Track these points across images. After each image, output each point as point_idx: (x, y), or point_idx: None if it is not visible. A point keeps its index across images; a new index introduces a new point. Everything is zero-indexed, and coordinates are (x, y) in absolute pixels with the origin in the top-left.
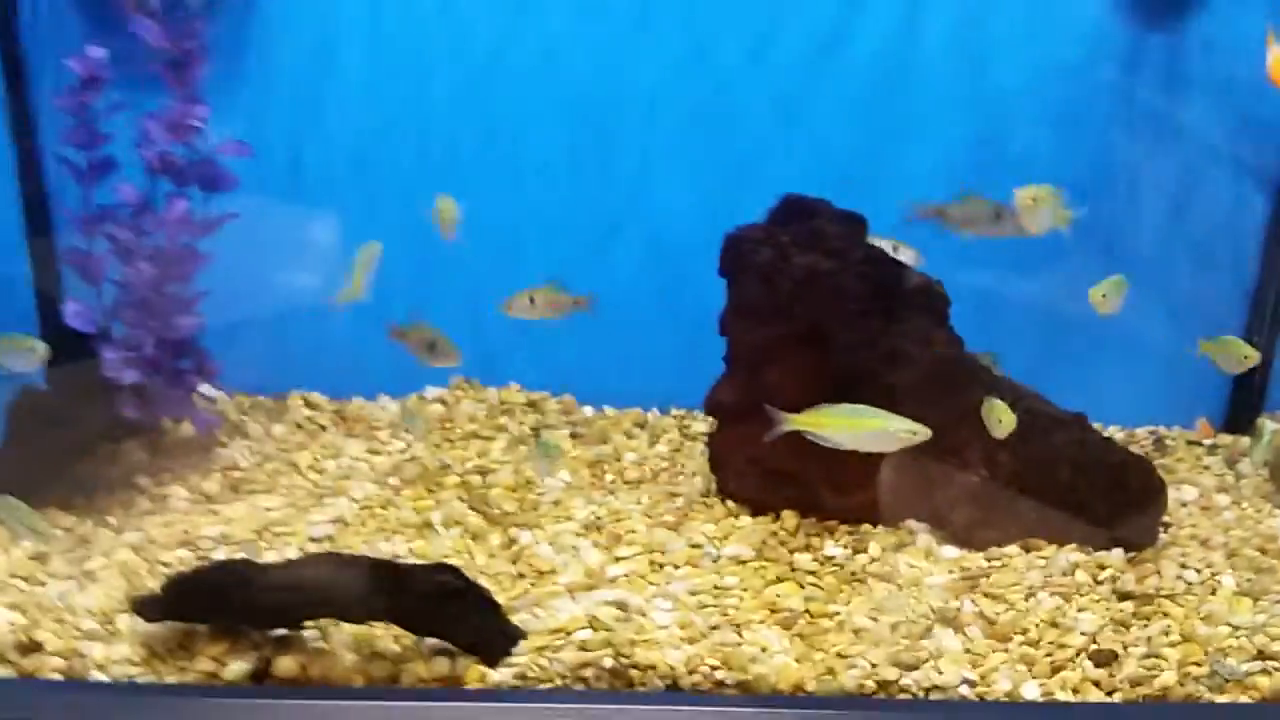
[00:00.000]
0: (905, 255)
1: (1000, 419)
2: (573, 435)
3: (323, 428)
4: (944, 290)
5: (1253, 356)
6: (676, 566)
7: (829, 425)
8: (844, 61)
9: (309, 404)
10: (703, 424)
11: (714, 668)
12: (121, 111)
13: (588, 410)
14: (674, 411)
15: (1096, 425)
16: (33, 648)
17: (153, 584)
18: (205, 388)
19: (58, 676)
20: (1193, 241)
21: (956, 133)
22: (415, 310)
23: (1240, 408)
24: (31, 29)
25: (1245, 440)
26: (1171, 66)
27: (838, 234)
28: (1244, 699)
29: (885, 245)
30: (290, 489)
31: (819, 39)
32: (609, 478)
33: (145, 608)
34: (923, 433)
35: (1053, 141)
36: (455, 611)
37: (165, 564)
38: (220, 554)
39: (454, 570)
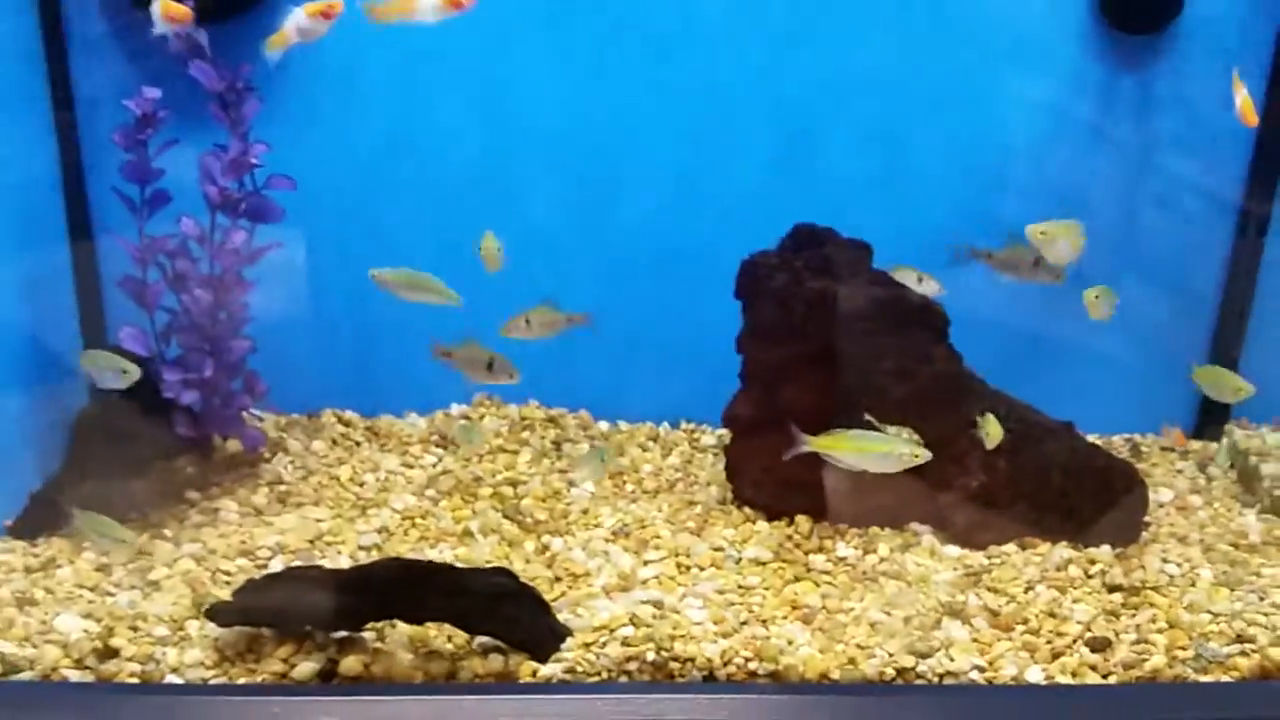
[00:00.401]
0: (929, 286)
1: (989, 432)
2: (592, 449)
3: (357, 443)
4: (943, 310)
5: (1245, 389)
6: (701, 568)
7: (842, 448)
8: (839, 98)
9: (342, 421)
10: (711, 437)
11: (747, 659)
12: (172, 147)
13: (603, 425)
14: (683, 425)
15: None
16: (109, 654)
17: (217, 592)
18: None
19: (135, 680)
20: (1163, 264)
21: (937, 165)
22: (468, 331)
23: (1209, 416)
24: (83, 69)
25: (1215, 446)
26: (1142, 104)
27: (846, 260)
28: (1226, 678)
29: (910, 276)
30: (336, 501)
31: (820, 75)
32: (629, 487)
33: (218, 613)
34: (924, 455)
35: (1032, 172)
36: (509, 612)
37: (226, 573)
38: (278, 562)
39: (508, 573)
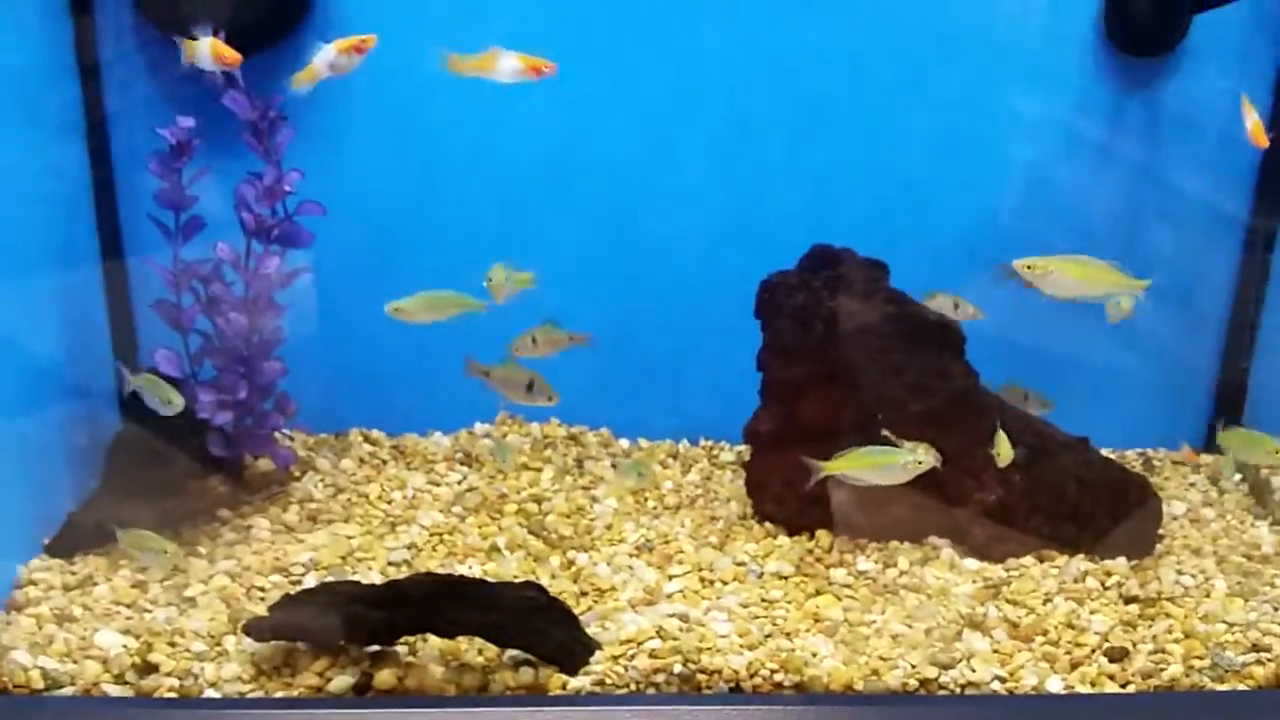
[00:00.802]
0: (966, 311)
1: (1000, 452)
2: (614, 466)
3: (384, 462)
4: (960, 327)
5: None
6: (725, 582)
7: (855, 466)
8: (852, 122)
9: (369, 440)
10: (729, 454)
11: (773, 671)
12: (207, 175)
13: (624, 442)
14: (702, 442)
15: None
16: (149, 669)
17: (252, 607)
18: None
19: (174, 695)
20: (1173, 280)
21: (948, 187)
22: (484, 348)
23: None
24: (115, 91)
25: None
26: (1149, 124)
27: (864, 279)
28: (1242, 686)
29: (947, 301)
30: (365, 518)
31: (834, 99)
32: (651, 504)
33: (254, 628)
34: (927, 461)
35: (1042, 192)
36: (539, 625)
37: (261, 589)
38: (311, 578)
39: (538, 587)
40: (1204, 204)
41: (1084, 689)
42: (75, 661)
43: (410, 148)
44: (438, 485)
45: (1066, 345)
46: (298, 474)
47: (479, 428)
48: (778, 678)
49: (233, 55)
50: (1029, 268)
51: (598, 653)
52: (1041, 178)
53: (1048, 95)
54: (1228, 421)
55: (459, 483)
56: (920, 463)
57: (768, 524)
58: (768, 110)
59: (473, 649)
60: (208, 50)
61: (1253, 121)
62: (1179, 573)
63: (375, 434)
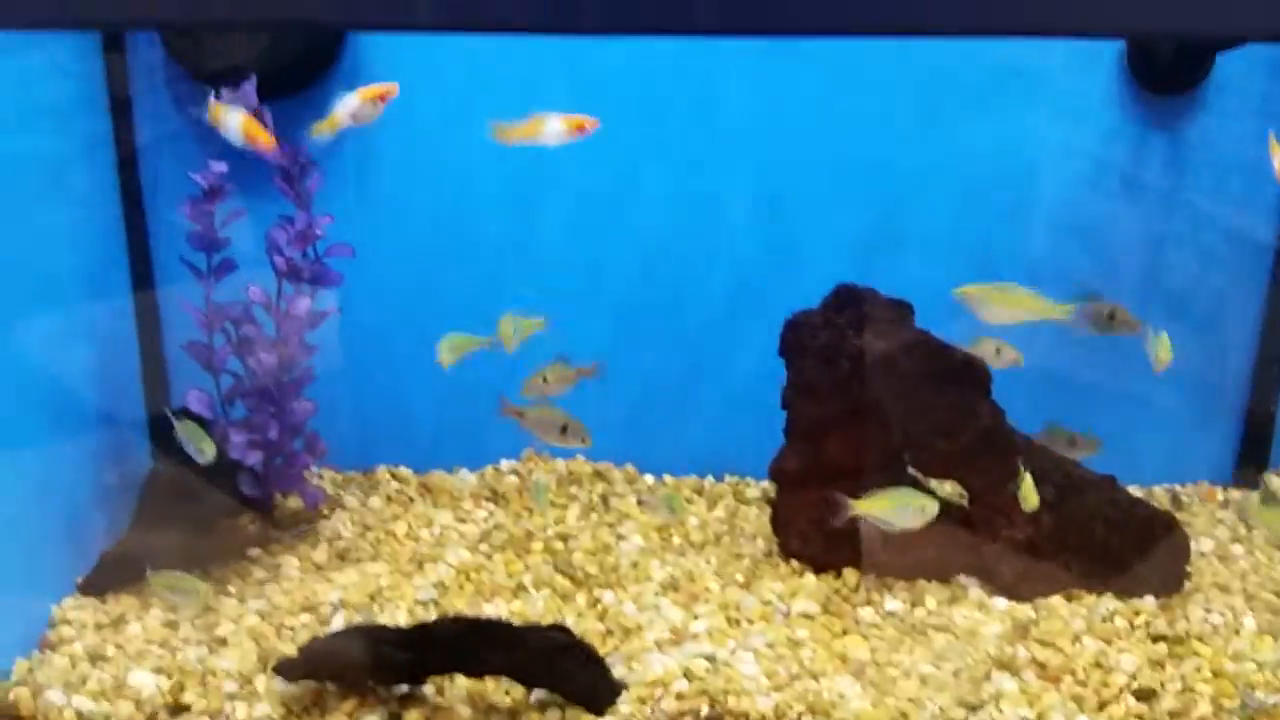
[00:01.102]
0: (1007, 356)
1: (1024, 495)
2: (640, 502)
3: (411, 499)
4: (985, 365)
5: None
6: (751, 622)
7: (883, 507)
8: (883, 162)
9: (396, 477)
10: (755, 490)
11: (800, 713)
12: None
13: (649, 479)
14: (727, 478)
15: None
16: (181, 709)
17: (282, 647)
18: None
19: None
20: (1201, 316)
21: (974, 222)
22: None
23: (1247, 464)
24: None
25: (1254, 495)
26: (1174, 160)
27: (889, 318)
28: None
29: (989, 346)
30: (393, 556)
31: (865, 138)
32: (676, 541)
33: (284, 668)
34: (932, 507)
35: (1071, 229)
36: (566, 666)
37: (290, 628)
38: (340, 617)
39: (564, 628)
40: (1230, 239)
41: None
42: (109, 700)
43: (439, 189)
44: (464, 522)
45: (1093, 380)
46: (326, 512)
47: (505, 464)
48: (805, 719)
49: (268, 141)
50: (962, 294)
51: (624, 694)
52: (1069, 213)
53: (1074, 132)
54: (1260, 470)
55: (485, 520)
56: (926, 507)
57: (794, 562)
58: (796, 149)
59: (500, 690)
60: (239, 128)
61: None
62: (1207, 610)
63: (403, 471)
